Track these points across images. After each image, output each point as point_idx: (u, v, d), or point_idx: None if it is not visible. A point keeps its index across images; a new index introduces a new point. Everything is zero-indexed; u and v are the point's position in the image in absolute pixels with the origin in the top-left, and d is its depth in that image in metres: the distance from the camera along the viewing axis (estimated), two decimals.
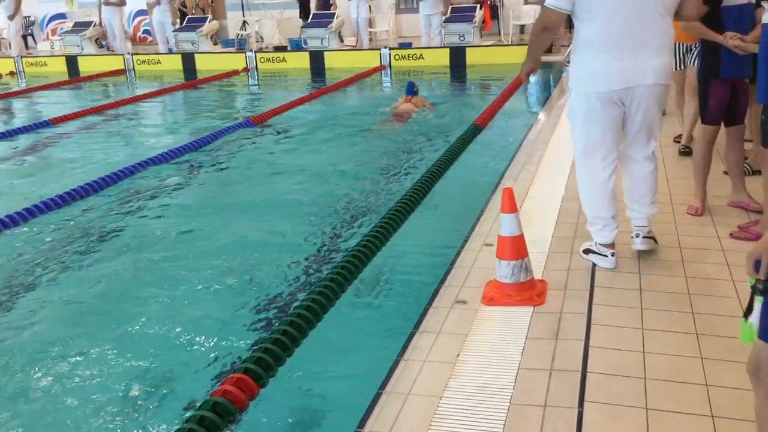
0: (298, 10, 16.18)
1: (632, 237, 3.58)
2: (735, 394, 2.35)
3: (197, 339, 3.44)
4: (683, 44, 5.57)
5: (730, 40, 3.83)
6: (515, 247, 3.17)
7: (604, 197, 3.47)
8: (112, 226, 5.23)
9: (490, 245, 3.73)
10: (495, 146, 7.07)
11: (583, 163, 3.52)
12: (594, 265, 3.50)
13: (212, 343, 3.36)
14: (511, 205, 3.17)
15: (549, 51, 13.12)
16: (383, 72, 13.14)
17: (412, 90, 8.86)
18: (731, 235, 3.80)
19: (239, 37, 16.98)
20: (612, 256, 3.46)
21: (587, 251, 3.58)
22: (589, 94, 3.34)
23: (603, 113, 3.34)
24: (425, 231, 4.65)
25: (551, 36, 3.49)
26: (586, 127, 3.42)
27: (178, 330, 3.55)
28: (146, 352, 3.33)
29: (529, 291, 3.18)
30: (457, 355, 2.74)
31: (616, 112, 3.35)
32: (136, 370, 3.16)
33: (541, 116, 7.85)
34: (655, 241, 3.61)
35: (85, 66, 15.39)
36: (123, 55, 15.52)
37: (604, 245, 3.49)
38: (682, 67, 5.72)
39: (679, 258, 3.54)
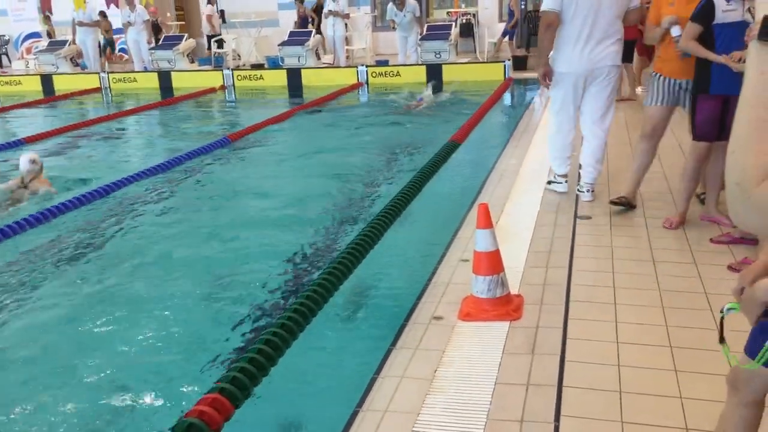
0: (275, 29, 16.21)
1: (583, 192, 4.92)
2: (709, 407, 2.36)
3: (171, 357, 3.40)
4: (676, 80, 4.42)
5: (722, 57, 3.87)
6: (491, 263, 3.18)
7: (566, 143, 5.05)
8: (88, 244, 5.17)
9: (467, 261, 3.75)
10: (472, 162, 7.12)
11: (556, 119, 5.02)
12: (569, 279, 3.53)
13: (187, 362, 3.32)
14: (486, 221, 3.19)
15: (525, 68, 13.31)
16: (360, 89, 13.19)
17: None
18: (712, 240, 3.91)
19: (216, 55, 16.99)
20: (565, 182, 5.09)
21: (550, 182, 5.20)
22: (569, 73, 4.73)
23: (573, 86, 4.77)
24: (403, 247, 4.65)
25: (553, 33, 4.69)
26: (563, 96, 4.85)
27: (151, 348, 3.52)
28: (117, 371, 3.28)
29: (505, 306, 3.19)
30: (435, 371, 2.74)
31: (581, 87, 4.77)
32: (108, 390, 3.11)
33: (517, 132, 7.91)
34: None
35: (60, 85, 15.25)
36: (98, 73, 15.42)
37: (561, 175, 5.10)
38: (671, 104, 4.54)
39: (653, 272, 3.58)
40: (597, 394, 2.51)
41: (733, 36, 3.83)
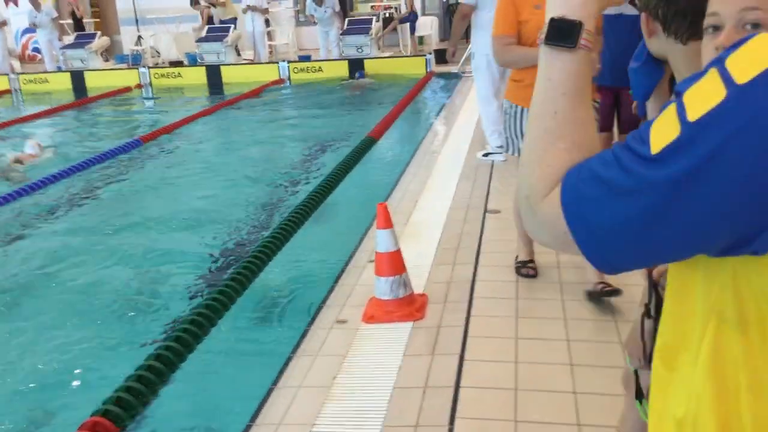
0: (194, 24, 15.78)
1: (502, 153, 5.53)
2: (602, 401, 2.38)
3: (65, 374, 3.23)
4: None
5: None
6: (392, 263, 3.14)
7: (497, 116, 5.48)
8: None
9: (374, 261, 3.69)
10: (389, 158, 7.08)
11: (486, 99, 5.77)
12: (474, 275, 3.52)
13: (80, 379, 3.16)
14: (385, 221, 3.14)
15: (446, 62, 13.36)
16: (283, 85, 12.99)
17: None
18: None
19: (134, 52, 16.43)
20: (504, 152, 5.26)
21: (487, 154, 5.82)
22: (488, 54, 5.07)
23: (494, 63, 5.23)
24: (314, 248, 4.57)
25: (467, 22, 5.59)
26: (489, 75, 5.64)
27: (46, 362, 3.35)
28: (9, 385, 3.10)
29: (408, 306, 3.15)
30: (334, 379, 2.68)
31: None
32: None
33: (435, 126, 7.93)
34: None
35: None
36: (7, 75, 14.70)
37: (498, 146, 5.65)
38: None
39: (555, 263, 3.61)
40: (493, 393, 2.49)
41: (615, 26, 3.78)
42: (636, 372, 1.46)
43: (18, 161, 7.23)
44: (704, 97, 0.68)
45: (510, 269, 3.55)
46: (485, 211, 4.55)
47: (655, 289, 1.22)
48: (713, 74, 0.69)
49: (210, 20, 15.48)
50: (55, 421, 2.91)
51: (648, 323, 1.30)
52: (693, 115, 0.68)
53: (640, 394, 1.46)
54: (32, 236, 5.35)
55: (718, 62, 0.70)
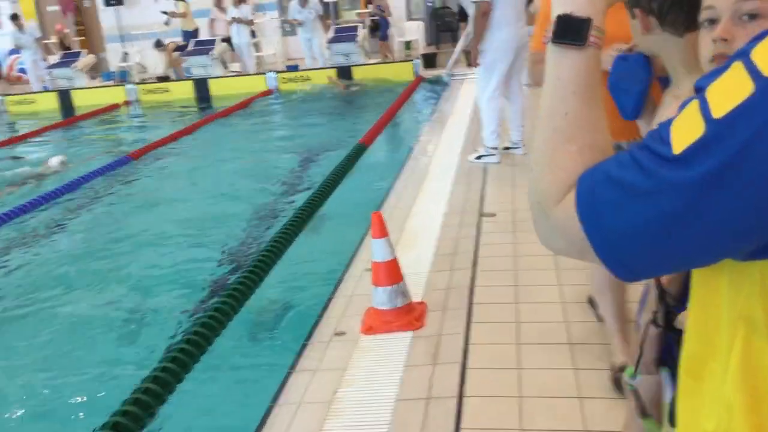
0: (178, 39, 15.74)
1: (515, 149, 5.95)
2: (608, 405, 2.34)
3: (56, 399, 3.17)
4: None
5: None
6: (389, 273, 3.09)
7: (500, 116, 5.76)
8: None
9: (370, 270, 3.65)
10: (381, 164, 7.05)
11: (490, 98, 5.69)
12: (472, 281, 3.48)
13: (74, 404, 3.10)
14: (380, 230, 3.10)
15: (432, 65, 13.36)
16: (272, 96, 12.94)
17: None
18: None
19: (120, 69, 16.37)
20: (498, 153, 5.77)
21: (479, 157, 5.81)
22: (505, 49, 5.54)
23: (506, 61, 5.59)
24: (308, 260, 4.53)
25: (488, 19, 5.47)
26: (500, 70, 5.60)
27: (43, 384, 3.30)
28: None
29: (407, 316, 3.11)
30: (334, 393, 2.63)
31: (512, 60, 5.62)
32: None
33: (426, 130, 7.90)
34: None
35: None
36: None
37: (493, 147, 5.77)
38: None
39: (554, 266, 3.57)
40: (497, 401, 2.45)
41: None
42: (636, 391, 1.41)
43: (42, 175, 7.85)
44: (730, 91, 0.64)
45: (509, 273, 3.51)
46: (480, 214, 4.52)
47: (663, 297, 1.19)
48: (738, 68, 0.65)
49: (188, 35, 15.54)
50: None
51: (653, 331, 1.26)
52: (718, 111, 0.64)
53: (644, 412, 1.41)
54: (18, 258, 5.29)
55: (743, 55, 0.66)
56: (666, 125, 0.68)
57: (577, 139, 0.76)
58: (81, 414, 3.04)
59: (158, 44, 15.65)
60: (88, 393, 3.21)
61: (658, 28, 1.37)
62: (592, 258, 0.72)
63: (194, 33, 15.36)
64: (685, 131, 0.66)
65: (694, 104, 0.67)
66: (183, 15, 15.28)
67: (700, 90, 0.68)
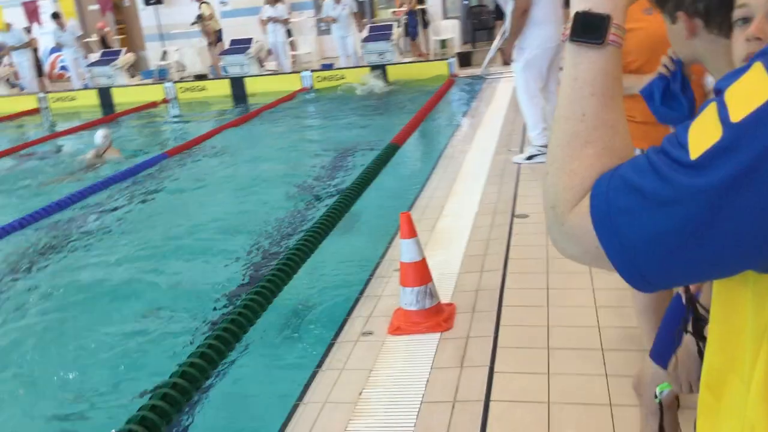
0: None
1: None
2: (638, 413, 2.27)
3: (88, 389, 3.21)
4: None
5: None
6: (418, 273, 3.06)
7: (542, 114, 5.67)
8: (27, 267, 4.97)
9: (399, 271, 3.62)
10: (413, 164, 7.02)
11: (532, 96, 5.66)
12: (503, 283, 3.43)
13: (100, 399, 3.14)
14: (409, 231, 3.07)
15: (468, 63, 13.27)
16: (307, 94, 13.00)
17: None
18: None
19: (159, 68, 16.61)
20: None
21: (530, 157, 5.66)
22: (545, 47, 5.54)
23: (546, 59, 5.61)
24: (338, 259, 4.52)
25: (526, 17, 5.42)
26: (537, 71, 5.63)
27: (79, 375, 3.34)
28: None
29: (435, 317, 3.07)
30: (360, 394, 2.61)
31: (552, 58, 5.63)
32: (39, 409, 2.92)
33: (460, 130, 7.84)
34: None
35: None
36: (36, 94, 14.96)
37: (543, 146, 5.49)
38: None
39: (587, 269, 3.50)
40: (525, 406, 2.40)
41: None
42: (660, 404, 1.36)
43: (98, 155, 8.25)
44: (749, 94, 0.60)
45: (541, 276, 3.45)
46: (513, 215, 4.45)
47: (692, 303, 1.13)
48: (759, 69, 0.61)
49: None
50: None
51: (687, 339, 1.21)
52: (737, 114, 0.60)
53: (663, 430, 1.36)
54: (56, 253, 5.39)
55: (763, 55, 0.62)
56: (684, 128, 0.64)
57: (595, 142, 0.73)
58: (108, 408, 3.07)
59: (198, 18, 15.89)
60: (116, 384, 3.25)
61: (703, 30, 1.30)
62: (606, 266, 0.69)
63: (218, 34, 15.58)
64: (703, 135, 0.62)
65: (712, 107, 0.63)
66: (210, 17, 15.40)
67: (719, 92, 0.64)
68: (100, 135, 8.32)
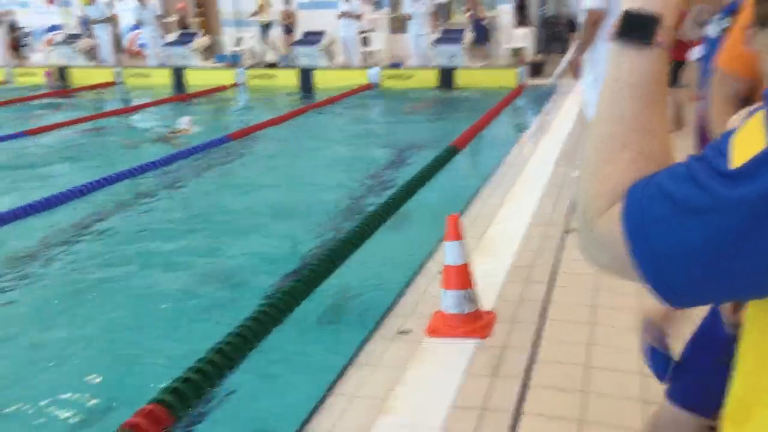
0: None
1: None
2: None
3: (126, 361, 3.29)
4: None
5: None
6: (459, 277, 3.02)
7: None
8: (80, 240, 5.14)
9: None
10: (471, 168, 6.97)
11: None
12: (547, 296, 3.36)
13: (140, 366, 3.21)
14: (455, 233, 3.03)
15: (538, 73, 13.09)
16: (373, 91, 13.05)
17: None
18: None
19: (233, 53, 16.94)
20: None
21: None
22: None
23: None
24: (385, 255, 4.51)
25: (598, 28, 4.95)
26: None
27: (114, 352, 3.43)
28: (70, 370, 3.19)
29: (473, 323, 3.03)
30: (390, 391, 2.60)
31: None
32: (55, 391, 3.01)
33: (523, 139, 7.73)
34: None
35: (76, 78, 15.31)
36: (113, 68, 15.47)
37: None
38: None
39: (636, 291, 3.39)
40: (555, 423, 2.34)
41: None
42: None
43: (174, 132, 9.01)
44: None
45: (588, 292, 3.36)
46: (566, 230, 4.36)
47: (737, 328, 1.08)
48: None
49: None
50: (120, 401, 2.96)
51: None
52: None
53: None
54: (112, 223, 5.56)
55: None
56: (726, 137, 0.61)
57: (632, 145, 0.69)
58: (143, 378, 3.14)
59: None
60: (154, 355, 3.32)
61: None
62: (635, 277, 0.65)
63: (269, 25, 16.15)
64: (746, 144, 0.59)
65: (759, 116, 0.59)
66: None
67: None
68: (185, 121, 9.15)
